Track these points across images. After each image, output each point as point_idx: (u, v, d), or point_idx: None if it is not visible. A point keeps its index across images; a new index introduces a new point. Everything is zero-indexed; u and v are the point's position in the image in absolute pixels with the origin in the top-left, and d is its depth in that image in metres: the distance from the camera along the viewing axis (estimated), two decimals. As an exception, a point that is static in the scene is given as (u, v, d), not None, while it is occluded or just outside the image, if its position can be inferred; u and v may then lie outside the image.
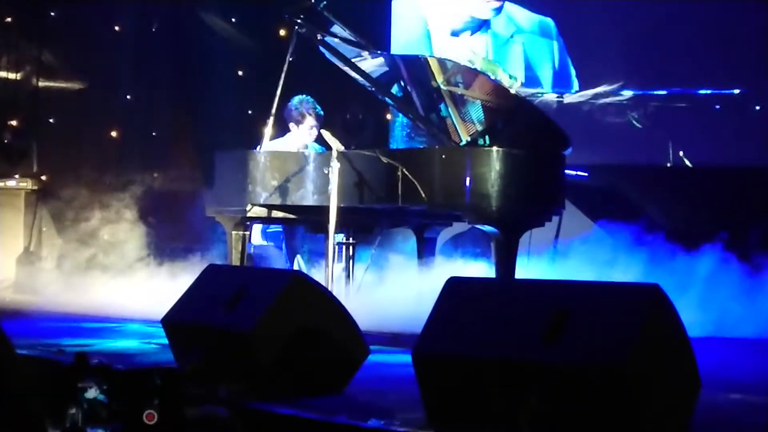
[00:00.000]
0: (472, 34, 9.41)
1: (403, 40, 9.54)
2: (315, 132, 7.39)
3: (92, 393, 3.20)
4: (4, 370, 0.84)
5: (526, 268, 6.51)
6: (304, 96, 7.40)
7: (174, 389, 3.33)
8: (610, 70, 9.22)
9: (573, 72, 9.33)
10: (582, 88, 9.28)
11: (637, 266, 6.76)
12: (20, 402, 0.79)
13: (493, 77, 8.70)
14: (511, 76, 9.09)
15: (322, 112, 7.42)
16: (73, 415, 3.03)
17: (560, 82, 9.30)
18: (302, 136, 7.44)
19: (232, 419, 3.37)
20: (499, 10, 9.33)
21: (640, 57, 9.19)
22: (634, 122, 9.06)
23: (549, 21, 9.36)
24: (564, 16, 9.34)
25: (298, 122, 7.41)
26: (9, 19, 9.29)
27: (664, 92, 9.13)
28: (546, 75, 9.33)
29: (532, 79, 9.29)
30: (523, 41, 9.32)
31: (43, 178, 9.17)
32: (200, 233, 8.32)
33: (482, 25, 9.38)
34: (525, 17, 9.37)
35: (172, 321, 4.49)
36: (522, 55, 9.31)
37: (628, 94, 9.15)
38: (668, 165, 8.87)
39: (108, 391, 3.22)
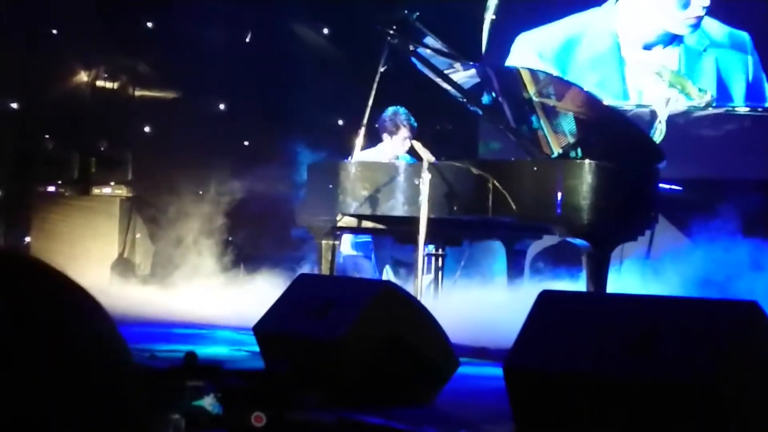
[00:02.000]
0: (664, 48, 9.28)
1: (590, 53, 9.45)
2: (408, 143, 7.31)
3: (209, 401, 3.21)
4: (123, 377, 0.86)
5: (618, 282, 6.42)
6: (397, 107, 7.38)
7: (281, 393, 3.36)
8: None
9: (767, 87, 9.16)
10: None
11: (735, 282, 6.63)
12: (133, 408, 0.80)
13: (681, 91, 8.67)
14: (700, 90, 8.94)
15: (415, 124, 7.39)
16: (176, 420, 3.05)
17: (753, 96, 9.13)
18: (395, 146, 7.41)
19: (335, 425, 3.38)
20: (695, 26, 9.14)
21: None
22: None
23: (744, 35, 9.16)
24: (760, 30, 9.16)
25: (391, 133, 7.38)
26: (105, 30, 9.48)
27: None
28: (738, 90, 9.14)
29: (724, 94, 9.12)
30: (716, 55, 9.14)
31: (138, 185, 9.32)
32: (291, 243, 8.37)
33: (675, 38, 9.24)
34: (719, 30, 9.20)
35: (264, 329, 4.53)
36: (714, 68, 9.13)
37: None
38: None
39: (223, 399, 3.23)
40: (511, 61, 9.41)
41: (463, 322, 5.44)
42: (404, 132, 7.35)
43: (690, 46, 9.18)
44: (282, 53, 9.62)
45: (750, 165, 8.89)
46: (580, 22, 9.39)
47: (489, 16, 9.47)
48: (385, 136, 7.41)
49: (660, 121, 8.75)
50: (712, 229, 7.66)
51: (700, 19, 9.11)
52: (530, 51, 9.45)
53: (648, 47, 9.25)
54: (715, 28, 9.15)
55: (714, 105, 9.00)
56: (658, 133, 8.73)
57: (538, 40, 9.46)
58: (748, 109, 9.06)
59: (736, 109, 9.08)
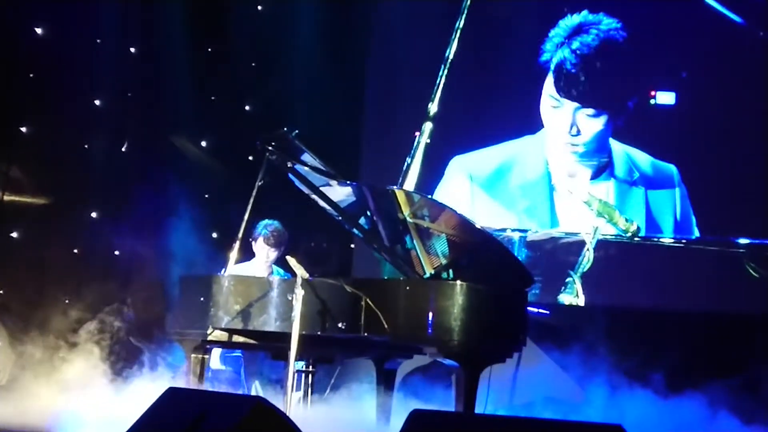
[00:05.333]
0: (592, 178, 9.53)
1: (521, 180, 9.64)
2: (265, 254, 7.70)
3: None
4: None
5: (487, 403, 6.48)
6: (266, 220, 7.57)
7: None
8: (730, 219, 9.31)
9: (694, 220, 9.40)
10: (702, 235, 9.33)
11: (600, 404, 6.78)
12: None
13: (609, 220, 8.86)
14: (627, 219, 9.15)
15: (279, 236, 7.70)
16: None
17: (681, 229, 9.37)
18: (258, 254, 7.71)
19: None
20: (581, 155, 9.44)
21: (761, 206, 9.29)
22: (752, 272, 9.09)
23: (672, 167, 9.48)
24: (687, 162, 9.45)
25: (255, 239, 7.70)
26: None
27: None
28: (667, 222, 9.41)
29: (652, 225, 9.38)
30: (645, 185, 9.41)
31: (1, 291, 9.08)
32: (157, 357, 8.24)
33: (604, 169, 9.49)
34: (648, 162, 9.49)
35: (130, 444, 4.44)
36: (643, 200, 9.40)
37: (744, 242, 9.23)
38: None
39: None
40: (444, 183, 9.63)
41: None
42: (261, 241, 7.70)
43: (619, 177, 9.48)
44: (161, 163, 9.59)
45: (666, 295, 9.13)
46: (514, 148, 9.69)
47: (424, 140, 9.68)
48: (252, 243, 7.62)
49: (588, 249, 8.96)
50: (576, 353, 7.85)
51: (574, 146, 9.45)
52: (463, 173, 9.68)
53: (574, 176, 9.53)
54: (643, 159, 9.49)
55: (641, 235, 9.25)
56: (586, 260, 8.93)
57: (472, 163, 9.71)
58: (672, 240, 9.34)
59: (661, 239, 9.36)
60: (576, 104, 9.55)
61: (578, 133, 9.53)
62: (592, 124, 9.55)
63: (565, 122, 9.54)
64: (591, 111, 9.54)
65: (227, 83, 10.08)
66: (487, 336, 5.97)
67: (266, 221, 7.65)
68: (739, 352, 8.11)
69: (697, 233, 9.38)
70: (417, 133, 9.78)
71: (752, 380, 7.82)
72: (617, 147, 9.56)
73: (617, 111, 9.55)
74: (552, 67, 9.61)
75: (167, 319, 6.86)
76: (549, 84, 9.66)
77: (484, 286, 6.00)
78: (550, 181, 9.54)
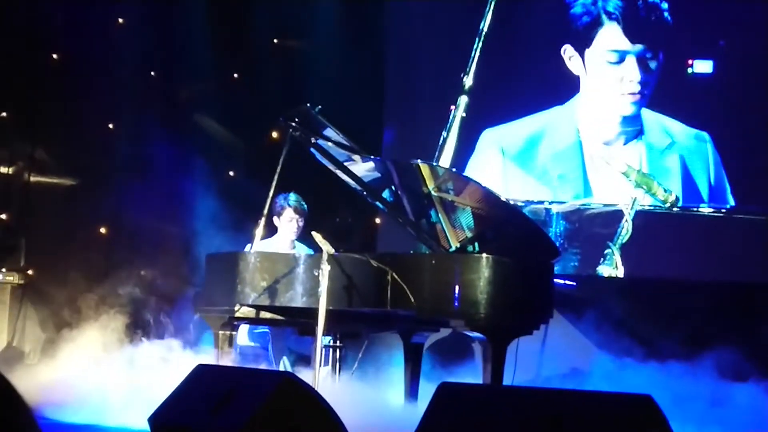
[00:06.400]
0: (625, 144, 9.49)
1: (552, 150, 9.62)
2: (295, 224, 7.63)
3: None
4: None
5: (514, 375, 6.49)
6: (289, 193, 7.56)
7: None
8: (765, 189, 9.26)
9: (728, 187, 9.36)
10: (737, 204, 9.30)
11: (627, 377, 6.76)
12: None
13: (648, 191, 8.81)
14: (666, 190, 9.10)
15: (305, 206, 7.66)
16: None
17: (716, 197, 9.33)
18: (283, 228, 7.66)
19: None
20: (639, 103, 9.42)
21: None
22: None
23: (705, 134, 9.43)
24: (720, 131, 9.40)
25: (279, 214, 7.64)
26: (4, 114, 9.38)
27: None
28: (702, 188, 9.36)
29: (687, 191, 9.32)
30: (679, 153, 9.37)
31: (30, 272, 9.15)
32: (187, 331, 8.28)
33: (637, 134, 9.46)
34: (680, 129, 9.43)
35: (161, 421, 4.46)
36: (679, 166, 9.35)
37: None
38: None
39: None
40: (476, 157, 9.62)
41: (361, 415, 5.43)
42: (289, 212, 7.63)
43: (652, 143, 9.44)
44: (182, 142, 9.62)
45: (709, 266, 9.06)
46: (544, 119, 9.65)
47: (459, 113, 9.67)
48: (275, 219, 7.58)
49: (627, 220, 8.92)
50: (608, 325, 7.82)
51: (638, 95, 9.40)
52: (494, 147, 9.67)
53: (608, 143, 9.49)
54: (676, 127, 9.43)
55: (679, 205, 9.20)
56: (625, 231, 8.90)
57: (502, 136, 9.69)
58: (712, 210, 9.28)
59: (700, 209, 9.30)
60: (641, 47, 9.46)
61: (646, 78, 9.45)
62: (654, 66, 9.47)
63: (631, 71, 9.45)
64: (651, 54, 9.48)
65: (248, 60, 10.07)
66: (513, 309, 5.97)
67: (284, 194, 7.60)
68: None
69: (732, 201, 9.32)
70: (452, 107, 9.75)
71: None
72: (648, 115, 9.51)
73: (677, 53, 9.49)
74: (608, 18, 9.52)
75: (194, 296, 6.89)
76: (608, 39, 9.56)
77: (509, 259, 6.00)
78: (582, 151, 9.50)
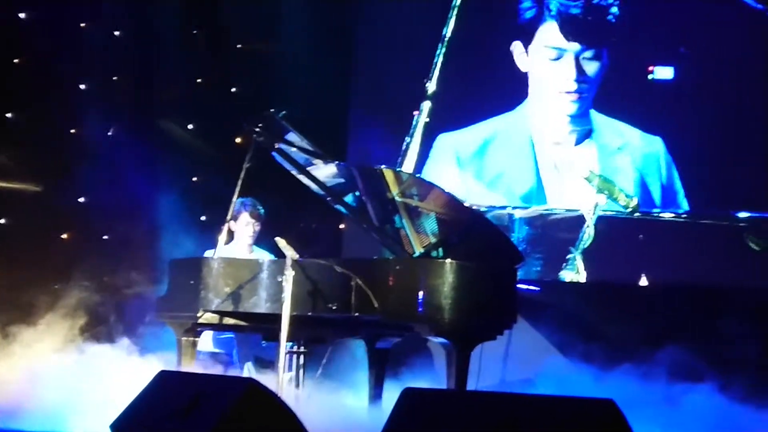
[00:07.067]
0: (576, 144, 9.54)
1: (505, 155, 9.65)
2: (251, 229, 7.66)
3: None
4: None
5: (478, 380, 6.52)
6: (242, 198, 7.56)
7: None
8: (721, 193, 9.32)
9: (682, 191, 9.41)
10: (692, 209, 9.35)
11: (590, 382, 6.80)
12: None
13: (609, 196, 8.85)
14: (627, 195, 9.12)
15: (261, 210, 7.70)
16: None
17: (668, 199, 9.38)
18: (239, 233, 7.67)
19: None
20: (582, 102, 9.48)
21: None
22: (753, 245, 9.07)
23: (657, 138, 9.49)
24: (672, 135, 9.46)
25: (235, 219, 7.61)
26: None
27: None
28: (655, 191, 9.42)
29: (642, 194, 9.37)
30: (630, 154, 9.41)
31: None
32: (151, 335, 8.24)
33: (587, 135, 9.50)
34: (632, 132, 9.49)
35: (123, 428, 4.44)
36: (631, 167, 9.40)
37: (744, 215, 9.23)
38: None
39: None
40: (431, 161, 9.64)
41: (325, 421, 5.43)
42: (245, 217, 7.65)
43: (604, 144, 9.49)
44: (146, 148, 9.57)
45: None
46: (497, 124, 9.68)
47: (423, 119, 9.69)
48: (231, 224, 7.56)
49: (588, 226, 8.96)
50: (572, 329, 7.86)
51: (577, 94, 9.46)
52: (449, 152, 9.68)
53: (560, 143, 9.54)
54: (628, 129, 9.49)
55: (639, 210, 9.25)
56: (587, 237, 8.93)
57: (457, 141, 9.70)
58: (673, 215, 9.34)
59: (662, 215, 9.36)
60: (579, 47, 9.54)
61: (583, 77, 9.52)
62: (594, 66, 9.55)
63: (568, 70, 9.53)
64: (590, 53, 9.55)
65: (214, 66, 10.04)
66: (477, 314, 5.99)
67: (241, 199, 7.59)
68: (742, 328, 8.09)
69: (685, 204, 9.40)
70: (416, 113, 9.78)
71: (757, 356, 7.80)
72: (600, 117, 9.58)
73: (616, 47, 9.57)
74: (549, 15, 9.58)
75: (157, 301, 6.85)
76: (547, 35, 9.63)
77: (473, 264, 6.02)
78: (535, 154, 9.56)
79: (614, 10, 9.58)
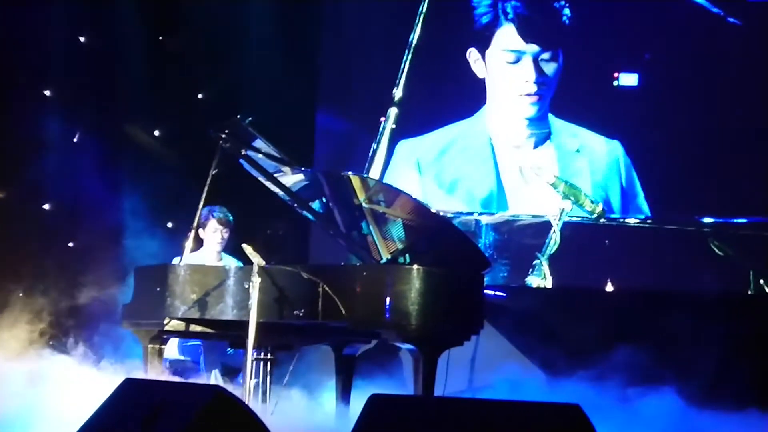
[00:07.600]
0: (535, 147, 9.57)
1: (465, 160, 9.67)
2: (219, 236, 7.66)
3: None
4: None
5: (445, 386, 6.52)
6: (211, 206, 7.56)
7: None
8: (683, 198, 9.37)
9: (642, 194, 9.43)
10: (652, 212, 9.35)
11: (556, 387, 6.82)
12: None
13: (575, 202, 8.86)
14: (593, 201, 9.13)
15: (230, 217, 7.69)
16: None
17: (628, 203, 9.40)
18: (208, 240, 7.67)
19: None
20: (541, 104, 9.50)
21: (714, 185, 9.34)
22: (717, 250, 9.11)
23: (616, 142, 9.56)
24: (631, 139, 9.48)
25: (203, 226, 7.60)
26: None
27: (743, 220, 9.26)
28: (613, 194, 9.44)
29: (604, 200, 9.43)
30: (588, 157, 9.44)
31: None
32: (116, 343, 8.20)
33: (546, 138, 9.50)
34: (590, 135, 9.56)
35: (88, 436, 4.41)
36: (588, 170, 9.43)
37: (709, 221, 9.26)
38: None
39: None
40: (392, 167, 9.65)
41: (292, 428, 5.41)
42: (213, 224, 7.65)
43: (562, 146, 9.53)
44: (111, 153, 9.52)
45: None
46: (456, 130, 9.71)
47: (389, 125, 9.71)
48: (200, 231, 7.56)
49: (555, 231, 8.98)
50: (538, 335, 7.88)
51: (536, 96, 9.50)
52: (410, 158, 9.71)
53: (519, 147, 9.57)
54: (586, 133, 9.54)
55: (605, 216, 9.27)
56: (553, 243, 8.95)
57: (417, 147, 9.72)
58: (638, 221, 9.39)
59: (627, 220, 9.41)
60: (537, 48, 9.60)
61: (543, 79, 9.58)
62: (552, 67, 9.60)
63: (527, 72, 9.58)
64: (548, 55, 9.61)
65: (180, 72, 10.00)
66: (444, 319, 5.99)
67: (209, 206, 7.57)
68: (703, 332, 8.14)
69: (646, 209, 9.46)
70: (383, 119, 9.80)
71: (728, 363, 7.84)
72: (558, 121, 9.64)
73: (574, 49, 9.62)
74: (506, 18, 9.64)
75: (122, 308, 6.81)
76: (505, 39, 9.67)
77: (440, 270, 6.02)
78: (496, 159, 9.62)
79: (566, 11, 9.66)
